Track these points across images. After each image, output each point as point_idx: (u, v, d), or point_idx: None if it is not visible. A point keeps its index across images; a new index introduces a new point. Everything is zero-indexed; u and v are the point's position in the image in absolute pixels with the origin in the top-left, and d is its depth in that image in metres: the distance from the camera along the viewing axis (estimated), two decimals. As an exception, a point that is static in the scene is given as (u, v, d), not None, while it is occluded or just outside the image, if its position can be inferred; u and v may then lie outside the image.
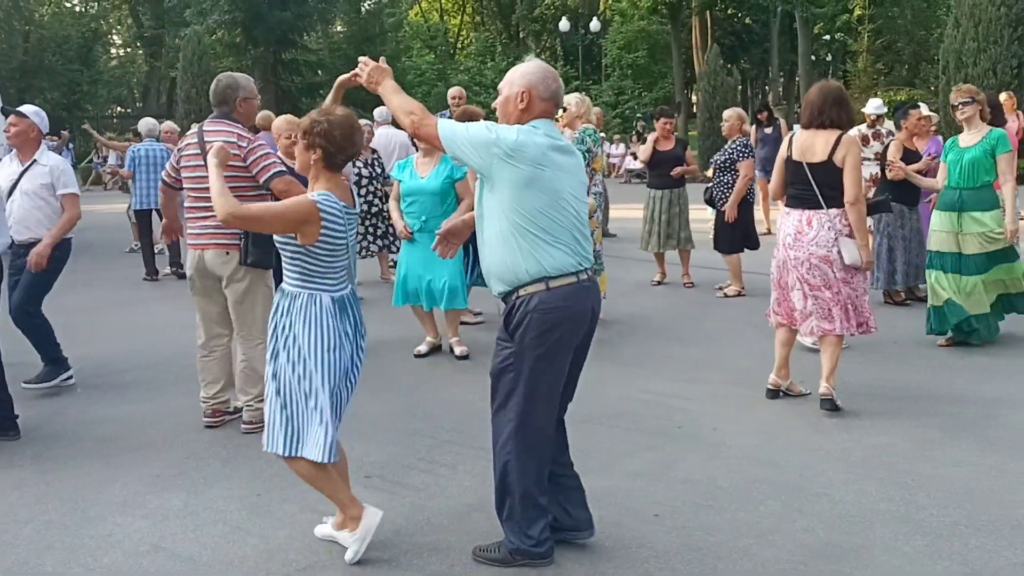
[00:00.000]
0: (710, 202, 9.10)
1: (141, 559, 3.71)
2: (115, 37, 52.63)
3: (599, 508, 3.98)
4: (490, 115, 5.54)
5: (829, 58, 51.68)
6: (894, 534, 3.80)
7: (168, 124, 12.63)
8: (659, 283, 9.66)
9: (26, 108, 6.13)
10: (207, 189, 5.01)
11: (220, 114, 5.19)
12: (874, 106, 9.50)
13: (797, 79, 44.72)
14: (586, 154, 7.22)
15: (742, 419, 5.30)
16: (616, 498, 4.19)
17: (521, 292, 3.34)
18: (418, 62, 40.72)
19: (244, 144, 5.02)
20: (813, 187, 5.27)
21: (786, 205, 5.50)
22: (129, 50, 52.90)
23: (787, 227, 5.41)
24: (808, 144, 5.33)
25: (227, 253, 5.10)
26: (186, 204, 5.31)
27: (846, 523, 3.91)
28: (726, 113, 9.18)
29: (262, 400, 5.14)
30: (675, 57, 42.59)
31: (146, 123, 11.56)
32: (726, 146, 8.97)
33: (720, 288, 9.09)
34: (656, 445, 4.91)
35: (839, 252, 5.22)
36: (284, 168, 5.11)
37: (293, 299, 3.52)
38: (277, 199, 4.74)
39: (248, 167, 5.01)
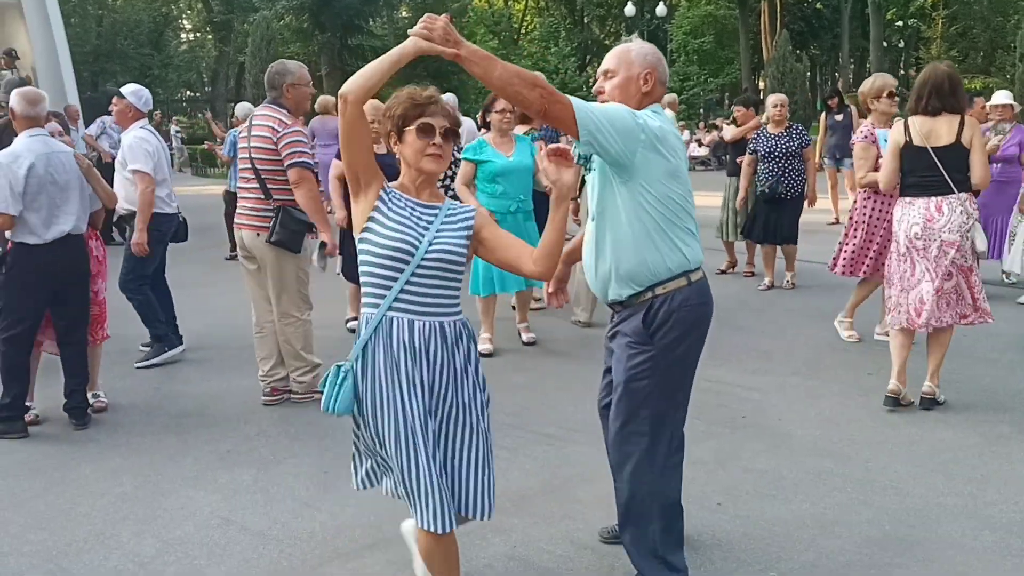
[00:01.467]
0: (773, 190, 8.54)
1: (212, 532, 3.82)
2: (185, 22, 53.64)
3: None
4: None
5: (901, 44, 50.49)
6: (961, 529, 3.74)
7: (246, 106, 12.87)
8: (723, 272, 9.51)
9: (125, 88, 6.45)
10: (248, 170, 5.26)
11: (271, 99, 5.33)
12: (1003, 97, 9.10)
13: (868, 66, 43.76)
14: None
15: (807, 410, 5.25)
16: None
17: (659, 290, 3.02)
18: (482, 48, 40.78)
19: (280, 129, 5.16)
20: (941, 172, 5.09)
21: (904, 195, 5.29)
22: (199, 35, 53.87)
23: (912, 216, 5.18)
24: (929, 129, 5.14)
25: (257, 235, 5.27)
26: (239, 186, 5.49)
27: (912, 517, 3.86)
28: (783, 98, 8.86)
29: (306, 372, 5.34)
30: (742, 43, 41.97)
31: (243, 107, 11.86)
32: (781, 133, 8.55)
33: (790, 281, 8.79)
34: (720, 434, 4.90)
35: (972, 238, 5.09)
36: (308, 161, 5.20)
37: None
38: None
39: (279, 151, 5.15)
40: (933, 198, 5.12)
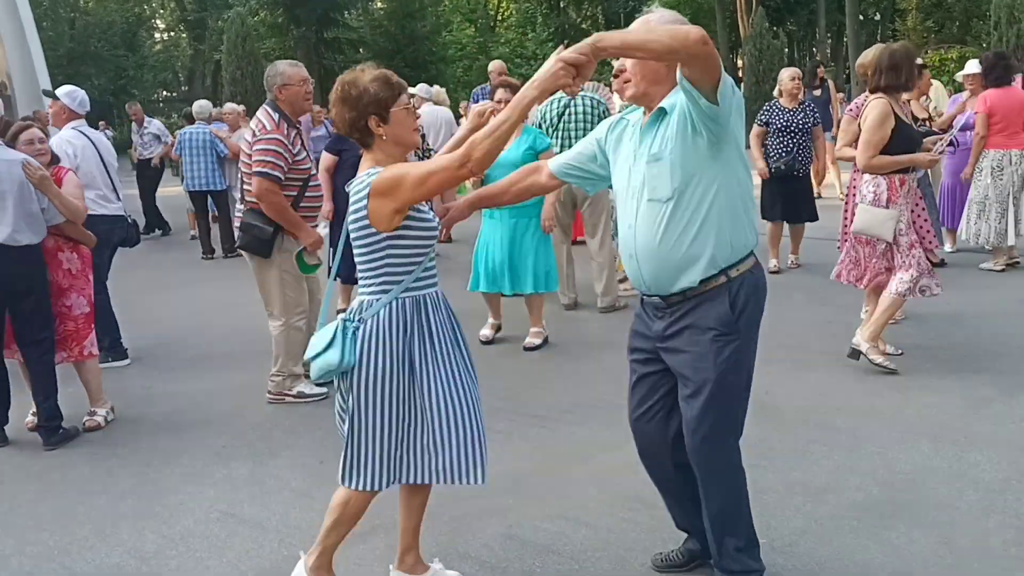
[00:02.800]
0: (790, 167, 8.24)
1: (212, 525, 3.87)
2: (159, 21, 53.28)
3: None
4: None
5: (878, 17, 50.56)
6: (947, 490, 3.83)
7: (230, 106, 12.82)
8: None
9: (60, 90, 6.45)
10: (247, 176, 5.22)
11: (267, 101, 5.31)
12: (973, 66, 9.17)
13: (845, 40, 43.86)
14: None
15: (795, 383, 5.33)
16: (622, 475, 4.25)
17: (733, 272, 2.87)
18: (458, 36, 40.62)
19: (258, 134, 5.13)
20: None
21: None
22: (173, 34, 53.52)
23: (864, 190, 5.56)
24: None
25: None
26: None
27: (899, 481, 3.95)
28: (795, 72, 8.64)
29: (282, 376, 5.37)
30: (719, 21, 42.01)
31: (196, 105, 11.78)
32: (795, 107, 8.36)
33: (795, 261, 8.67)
34: (708, 409, 4.96)
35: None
36: (270, 171, 5.03)
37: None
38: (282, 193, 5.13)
39: (252, 155, 5.12)
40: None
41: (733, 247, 2.86)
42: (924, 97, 8.34)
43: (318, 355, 2.91)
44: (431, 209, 3.02)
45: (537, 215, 6.29)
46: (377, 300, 2.92)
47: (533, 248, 6.27)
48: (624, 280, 7.59)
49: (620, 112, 3.37)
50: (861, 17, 48.32)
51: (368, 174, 2.85)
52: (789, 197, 8.35)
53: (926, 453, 4.22)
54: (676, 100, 2.80)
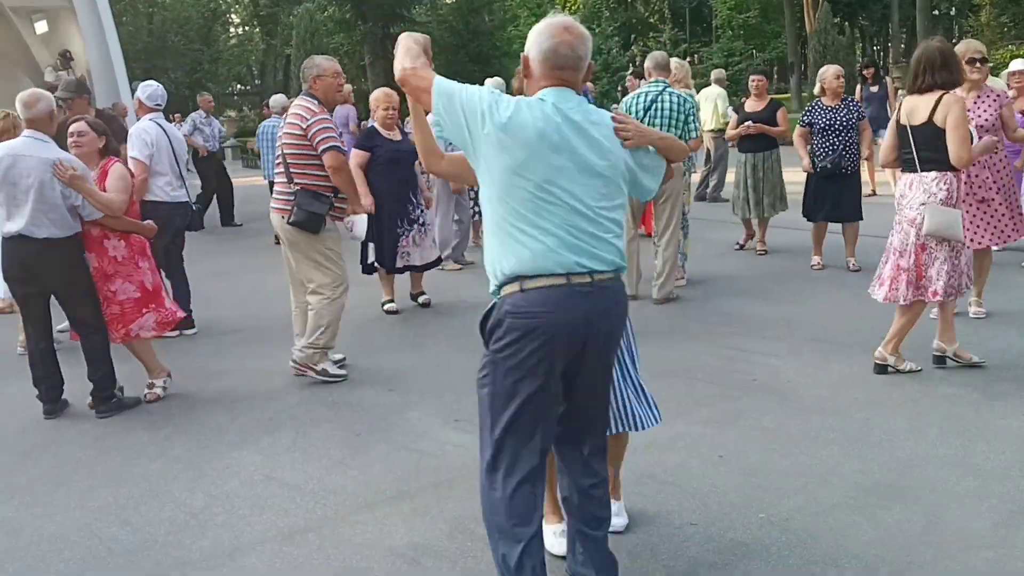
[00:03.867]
0: (836, 165, 8.23)
1: (255, 487, 4.22)
2: (233, 16, 54.53)
3: (669, 452, 4.34)
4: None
5: (952, 12, 49.54)
6: (946, 476, 3.99)
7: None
8: (741, 246, 9.62)
9: (139, 86, 7.03)
10: (279, 157, 5.70)
11: (303, 91, 5.70)
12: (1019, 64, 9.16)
13: (917, 35, 43.06)
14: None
15: (818, 373, 5.50)
16: (686, 442, 4.49)
17: (502, 292, 2.78)
18: (524, 31, 40.91)
19: (308, 117, 5.51)
20: (913, 150, 5.21)
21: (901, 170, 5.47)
22: (246, 28, 54.74)
23: (897, 192, 5.45)
24: (912, 107, 5.24)
25: (283, 217, 5.61)
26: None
27: (901, 466, 4.12)
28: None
29: (310, 346, 5.68)
30: (787, 16, 41.59)
31: (273, 99, 12.40)
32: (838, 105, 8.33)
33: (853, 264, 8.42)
34: (732, 396, 5.17)
35: (923, 217, 5.12)
36: (338, 144, 5.53)
37: None
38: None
39: (309, 140, 5.49)
40: (908, 175, 5.29)
41: (492, 267, 2.82)
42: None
43: None
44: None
45: None
46: None
47: None
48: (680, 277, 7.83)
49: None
50: (936, 12, 47.36)
51: None
52: (834, 196, 8.28)
53: (932, 441, 4.38)
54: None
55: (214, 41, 46.91)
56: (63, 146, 5.35)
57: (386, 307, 7.59)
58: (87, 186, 5.16)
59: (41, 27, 16.54)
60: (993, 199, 6.23)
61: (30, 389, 5.39)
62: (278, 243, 11.39)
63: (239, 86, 57.21)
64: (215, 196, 13.72)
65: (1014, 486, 3.87)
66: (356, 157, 7.23)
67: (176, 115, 24.63)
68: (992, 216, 6.24)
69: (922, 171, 5.18)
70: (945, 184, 5.13)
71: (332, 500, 4.03)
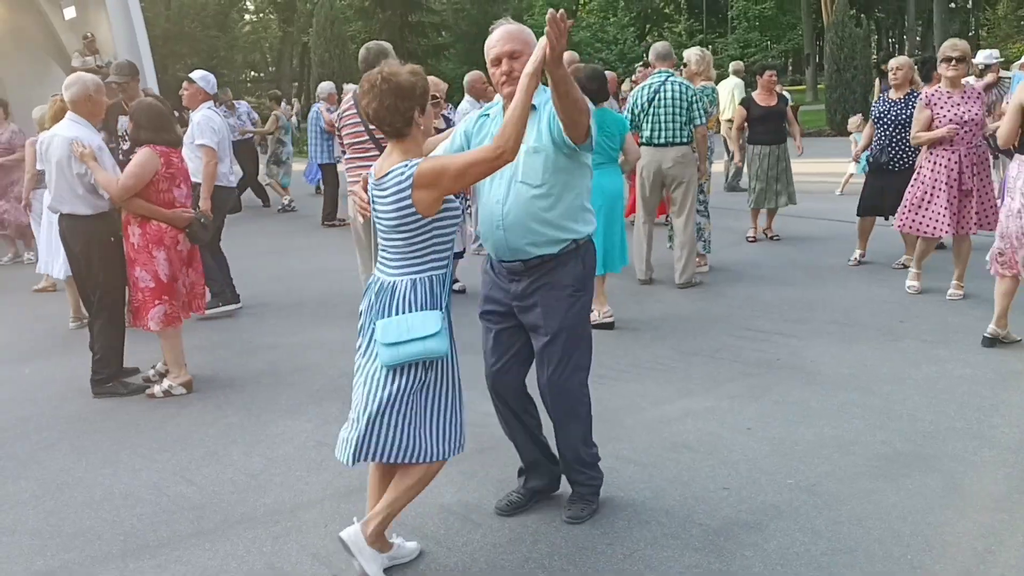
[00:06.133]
0: (877, 160, 7.89)
1: (308, 451, 4.47)
2: (249, 3, 54.71)
3: (700, 422, 4.58)
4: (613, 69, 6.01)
5: (970, 5, 49.40)
6: (964, 447, 4.21)
7: (324, 85, 13.63)
8: (754, 239, 9.72)
9: (195, 74, 7.15)
10: (366, 142, 5.89)
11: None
12: (984, 56, 9.42)
13: (934, 28, 43.00)
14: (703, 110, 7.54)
15: (842, 353, 5.71)
16: (716, 415, 4.73)
17: (581, 241, 3.52)
18: (541, 21, 41.00)
19: None
20: None
21: (1020, 152, 5.54)
22: (262, 15, 54.92)
23: (1014, 174, 5.52)
24: None
25: None
26: (347, 157, 6.11)
27: (921, 437, 4.35)
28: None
29: None
30: (804, 7, 41.60)
31: (322, 87, 12.96)
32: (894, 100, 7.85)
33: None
34: (756, 373, 5.39)
35: None
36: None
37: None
38: None
39: None
40: None
41: (579, 224, 3.46)
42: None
43: (416, 340, 3.07)
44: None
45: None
46: (424, 276, 3.15)
47: (617, 227, 6.49)
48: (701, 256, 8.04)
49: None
50: (953, 5, 47.22)
51: (406, 165, 3.06)
52: (879, 192, 7.89)
53: (951, 416, 4.60)
54: (544, 100, 3.37)
55: (230, 28, 47.15)
56: (113, 128, 5.61)
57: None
58: (93, 163, 5.29)
59: (69, 13, 16.74)
60: (974, 190, 6.65)
61: (83, 361, 5.66)
62: (330, 225, 11.88)
63: (252, 73, 57.45)
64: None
65: (1029, 457, 4.10)
66: None
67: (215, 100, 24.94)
68: (973, 205, 6.68)
69: None
70: None
71: (383, 463, 4.28)
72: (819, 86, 34.60)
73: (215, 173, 6.81)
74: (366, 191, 3.31)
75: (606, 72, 7.42)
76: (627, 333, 6.35)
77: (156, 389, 5.45)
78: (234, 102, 14.76)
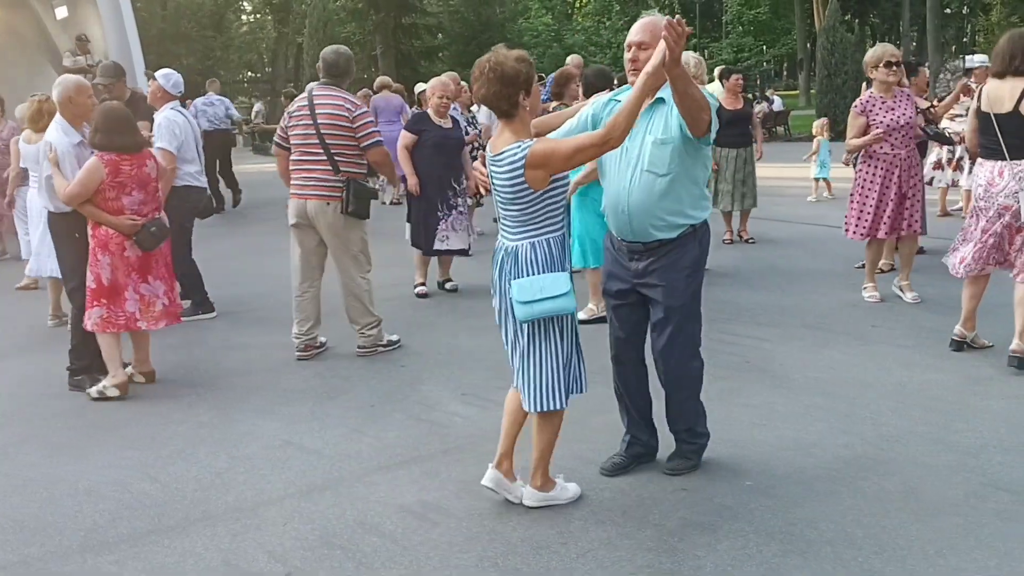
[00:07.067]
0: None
1: (275, 451, 4.50)
2: (245, 4, 54.66)
3: (661, 425, 4.58)
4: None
5: (966, 11, 49.55)
6: (924, 451, 4.25)
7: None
8: (731, 242, 9.76)
9: (158, 72, 7.19)
10: (315, 145, 5.73)
11: (333, 82, 5.89)
12: (975, 60, 9.50)
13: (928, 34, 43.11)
14: None
15: (812, 357, 5.75)
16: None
17: (699, 226, 3.88)
18: (535, 24, 41.10)
19: (354, 110, 5.76)
20: (999, 138, 5.34)
21: (980, 156, 5.60)
22: (258, 16, 54.90)
23: (979, 178, 5.52)
24: (996, 94, 5.37)
25: (327, 204, 5.77)
26: (293, 158, 5.91)
27: (884, 441, 4.38)
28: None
29: (370, 327, 5.92)
30: (797, 12, 41.71)
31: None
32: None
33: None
34: (724, 376, 5.42)
35: (1019, 203, 5.30)
36: (382, 139, 5.91)
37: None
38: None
39: (355, 131, 5.75)
40: (997, 162, 5.39)
41: (697, 210, 3.79)
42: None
43: (550, 299, 3.44)
44: None
45: (582, 191, 6.74)
46: (541, 239, 3.51)
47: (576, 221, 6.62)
48: None
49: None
50: (948, 11, 47.31)
51: (519, 147, 3.42)
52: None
53: (915, 419, 4.63)
54: (668, 95, 3.60)
55: (226, 28, 47.13)
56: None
57: (417, 290, 7.84)
58: (55, 168, 5.32)
59: (61, 12, 16.73)
60: (909, 191, 6.81)
61: (61, 359, 5.69)
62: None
63: (249, 73, 57.42)
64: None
65: (987, 460, 4.13)
66: (404, 139, 7.56)
67: (187, 101, 24.95)
68: (911, 208, 6.85)
69: (1011, 159, 5.32)
70: None
71: (348, 463, 4.31)
72: (811, 91, 34.68)
73: (171, 178, 6.77)
74: (485, 166, 3.68)
75: None
76: (600, 334, 6.35)
77: (92, 389, 5.40)
78: (212, 97, 14.75)
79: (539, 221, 3.50)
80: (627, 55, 3.76)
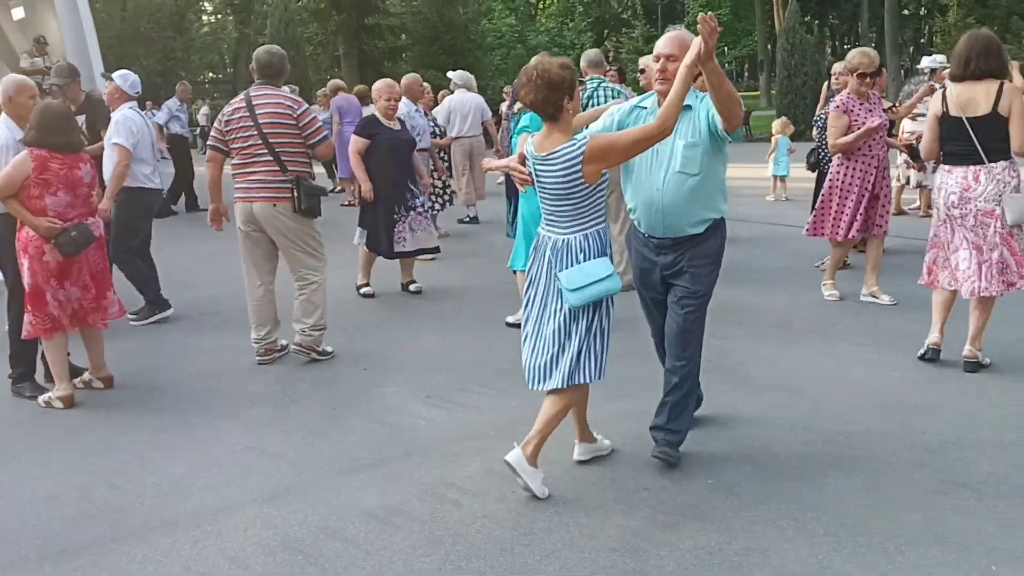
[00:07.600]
0: (814, 166, 8.48)
1: (237, 456, 4.45)
2: (206, 4, 54.13)
3: (629, 423, 4.62)
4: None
5: (923, 12, 50.23)
6: (886, 448, 4.30)
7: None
8: None
9: (116, 73, 7.11)
10: (258, 147, 5.65)
11: (269, 82, 5.81)
12: (929, 61, 9.66)
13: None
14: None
15: (774, 356, 5.80)
16: (643, 417, 4.73)
17: (720, 221, 4.18)
18: (498, 25, 41.06)
19: (297, 108, 5.74)
20: (975, 142, 5.22)
21: (945, 163, 5.44)
22: (219, 17, 54.39)
23: (950, 185, 5.33)
24: (967, 97, 5.26)
25: (274, 205, 5.71)
26: (234, 162, 5.81)
27: (844, 439, 4.42)
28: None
29: (316, 328, 5.87)
30: (758, 14, 42.11)
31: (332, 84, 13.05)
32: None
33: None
34: (688, 376, 5.44)
35: (1003, 209, 5.21)
36: (328, 135, 6.00)
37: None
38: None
39: (300, 128, 5.73)
40: (971, 167, 5.25)
41: (722, 203, 4.13)
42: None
43: (596, 282, 3.72)
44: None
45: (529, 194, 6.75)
46: (592, 230, 3.78)
47: None
48: None
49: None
50: (906, 12, 47.96)
51: (574, 144, 3.65)
52: None
53: (876, 417, 4.69)
54: (694, 102, 3.96)
55: (187, 29, 46.59)
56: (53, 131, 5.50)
57: (363, 291, 7.81)
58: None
59: (18, 13, 16.50)
60: (880, 193, 6.95)
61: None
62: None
63: (211, 74, 56.86)
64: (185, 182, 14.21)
65: (946, 457, 4.18)
66: (356, 143, 7.46)
67: (148, 103, 24.68)
68: (882, 208, 7.00)
69: (990, 162, 5.21)
70: (1014, 172, 5.26)
71: (310, 467, 4.28)
72: (772, 91, 35.00)
73: (124, 174, 6.68)
74: (523, 164, 3.89)
75: None
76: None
77: (40, 399, 5.31)
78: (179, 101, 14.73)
79: (590, 213, 3.77)
80: (655, 66, 4.00)
